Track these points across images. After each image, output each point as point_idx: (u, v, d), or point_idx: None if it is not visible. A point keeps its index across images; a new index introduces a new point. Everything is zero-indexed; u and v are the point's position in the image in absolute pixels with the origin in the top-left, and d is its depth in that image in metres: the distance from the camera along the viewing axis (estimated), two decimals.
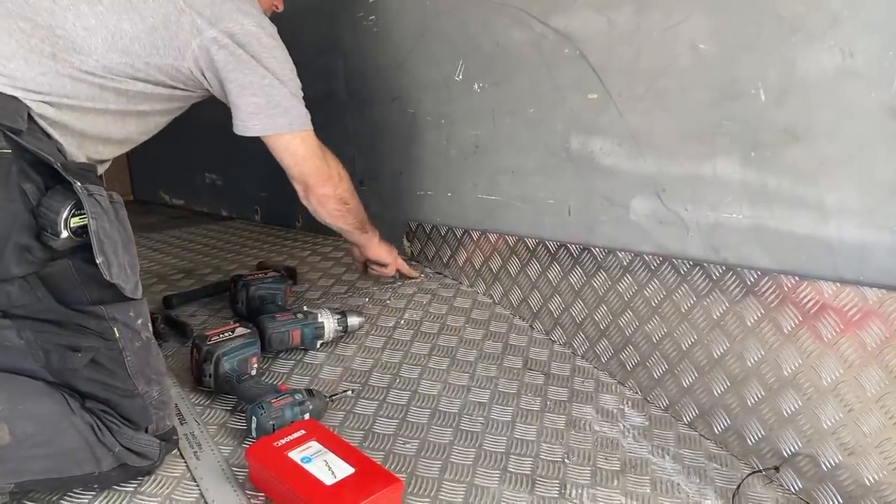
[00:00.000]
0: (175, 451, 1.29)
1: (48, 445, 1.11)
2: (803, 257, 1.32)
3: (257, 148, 2.88)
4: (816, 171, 1.28)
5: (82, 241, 1.13)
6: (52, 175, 1.14)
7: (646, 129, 1.54)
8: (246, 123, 1.51)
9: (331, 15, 2.34)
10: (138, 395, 1.19)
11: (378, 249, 1.98)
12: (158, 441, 1.22)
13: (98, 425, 1.15)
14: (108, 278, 1.12)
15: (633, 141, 1.56)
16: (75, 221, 1.11)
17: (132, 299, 1.19)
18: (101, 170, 1.39)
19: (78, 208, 1.12)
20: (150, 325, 1.24)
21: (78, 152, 1.30)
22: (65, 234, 1.11)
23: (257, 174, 2.95)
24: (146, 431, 1.21)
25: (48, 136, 1.23)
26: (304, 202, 1.70)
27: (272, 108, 1.50)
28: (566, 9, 1.62)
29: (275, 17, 2.72)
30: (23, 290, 1.15)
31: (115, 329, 1.18)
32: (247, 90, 1.46)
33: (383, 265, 2.03)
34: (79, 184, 1.11)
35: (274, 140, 1.56)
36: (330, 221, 1.75)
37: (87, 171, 1.20)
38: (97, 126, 1.33)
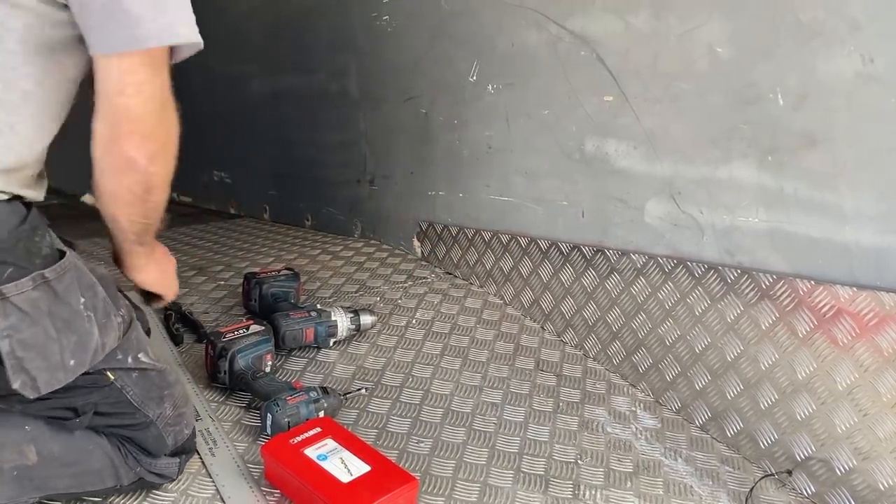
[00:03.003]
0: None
1: (74, 465, 1.11)
2: (819, 261, 1.32)
3: (267, 146, 2.90)
4: (834, 175, 1.28)
5: None
6: None
7: (662, 132, 1.54)
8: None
9: (344, 14, 2.35)
10: (151, 422, 1.14)
11: (144, 273, 1.30)
12: (178, 460, 1.20)
13: (121, 448, 1.15)
14: (33, 396, 0.98)
15: (649, 144, 1.56)
16: None
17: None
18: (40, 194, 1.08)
19: None
20: (142, 350, 1.14)
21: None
22: None
23: (266, 172, 2.96)
24: (166, 455, 1.19)
25: None
26: (97, 151, 1.05)
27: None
28: (583, 11, 1.62)
29: (288, 15, 2.72)
30: None
31: (108, 373, 1.08)
32: None
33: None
34: None
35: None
36: (111, 201, 1.10)
37: (4, 252, 0.97)
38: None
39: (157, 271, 1.32)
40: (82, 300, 1.04)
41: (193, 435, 1.25)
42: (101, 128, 1.05)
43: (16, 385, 0.96)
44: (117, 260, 1.31)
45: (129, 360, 1.11)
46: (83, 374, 1.05)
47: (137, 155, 1.06)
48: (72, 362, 1.02)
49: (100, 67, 1.02)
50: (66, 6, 0.99)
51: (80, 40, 1.02)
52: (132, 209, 1.13)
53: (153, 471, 1.18)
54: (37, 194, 1.06)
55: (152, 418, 1.14)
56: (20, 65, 0.98)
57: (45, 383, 0.99)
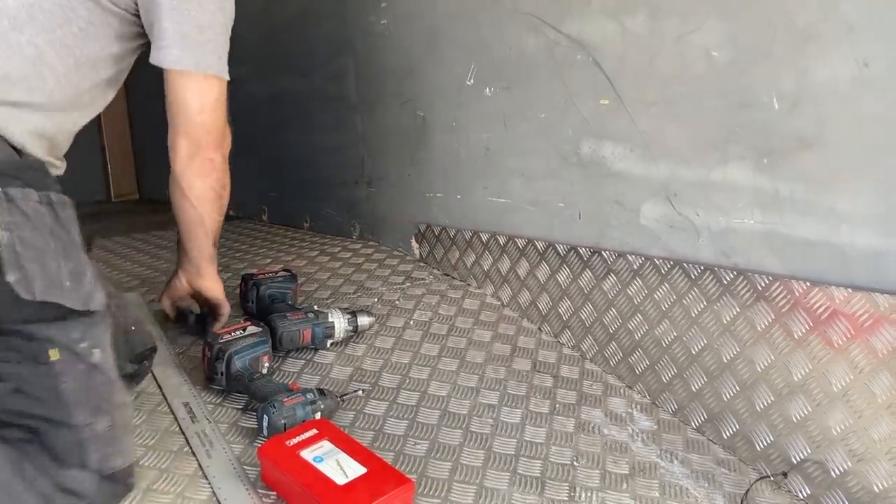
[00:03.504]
0: (170, 467, 1.24)
1: None
2: (814, 263, 1.33)
3: (265, 147, 2.90)
4: (829, 178, 1.29)
5: None
6: None
7: (658, 135, 1.55)
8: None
9: (342, 18, 2.35)
10: (73, 426, 1.02)
11: (215, 282, 1.62)
12: (99, 477, 1.04)
13: (15, 457, 0.99)
14: (28, 297, 0.94)
15: (645, 146, 1.57)
16: None
17: (82, 316, 1.03)
18: (59, 169, 1.22)
19: None
20: (101, 348, 1.06)
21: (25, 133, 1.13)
22: None
23: (265, 173, 2.96)
24: (82, 468, 1.03)
25: None
26: (181, 166, 1.41)
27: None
28: (580, 15, 1.63)
29: (286, 18, 2.73)
30: None
31: (52, 352, 1.01)
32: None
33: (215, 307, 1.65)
34: None
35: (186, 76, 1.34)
36: (198, 203, 1.46)
37: (16, 169, 1.02)
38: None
39: (219, 281, 1.62)
40: (79, 237, 1.05)
41: (130, 475, 1.11)
42: (184, 143, 1.38)
43: (11, 278, 0.93)
44: (184, 276, 1.61)
45: (84, 345, 1.04)
46: (25, 339, 0.99)
47: (215, 156, 1.41)
48: (68, 284, 1.00)
49: (178, 84, 1.32)
50: (137, 18, 1.26)
51: (129, 54, 1.29)
52: (214, 206, 1.48)
53: (61, 482, 1.01)
54: (57, 169, 1.19)
55: (76, 423, 1.02)
56: (76, 45, 1.18)
57: (40, 290, 0.96)
